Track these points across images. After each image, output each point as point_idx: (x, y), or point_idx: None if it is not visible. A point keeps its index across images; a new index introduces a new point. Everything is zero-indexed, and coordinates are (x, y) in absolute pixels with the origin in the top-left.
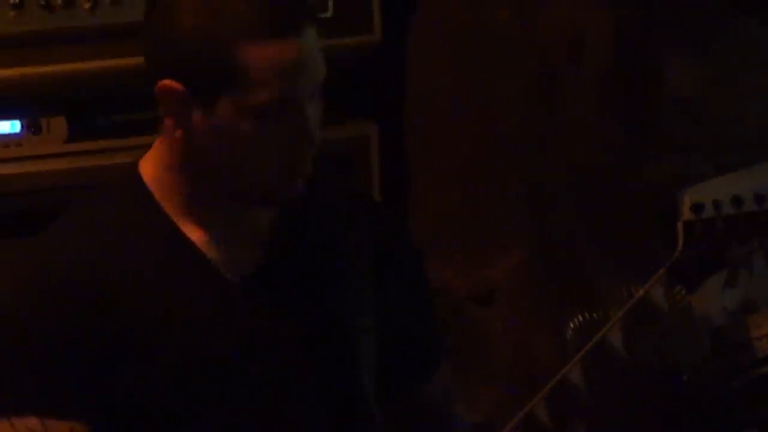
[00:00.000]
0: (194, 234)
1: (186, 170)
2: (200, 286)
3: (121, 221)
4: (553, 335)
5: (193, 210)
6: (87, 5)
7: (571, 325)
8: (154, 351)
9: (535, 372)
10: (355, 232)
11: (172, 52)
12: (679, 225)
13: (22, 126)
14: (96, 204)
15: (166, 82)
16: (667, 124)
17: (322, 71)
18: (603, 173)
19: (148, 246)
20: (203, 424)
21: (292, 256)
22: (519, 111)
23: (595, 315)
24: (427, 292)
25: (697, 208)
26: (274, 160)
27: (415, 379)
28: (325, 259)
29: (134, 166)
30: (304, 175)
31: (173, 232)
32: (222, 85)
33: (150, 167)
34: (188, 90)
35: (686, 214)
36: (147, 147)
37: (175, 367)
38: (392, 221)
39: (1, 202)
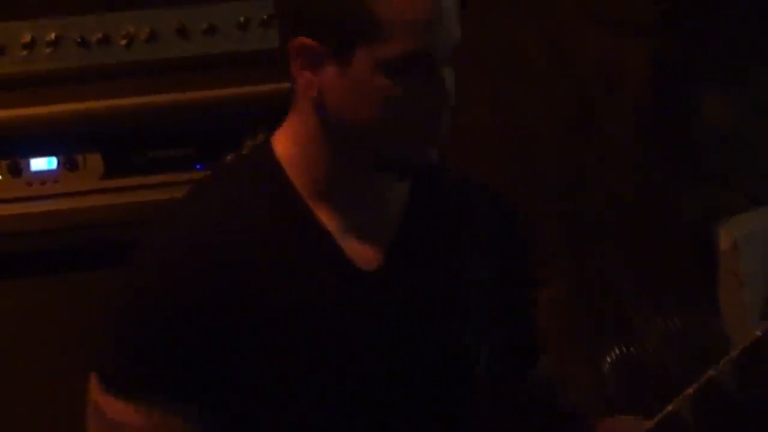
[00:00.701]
0: (327, 219)
1: (320, 141)
2: (331, 274)
3: (255, 202)
4: (590, 368)
5: (327, 192)
6: (123, 42)
7: (608, 358)
8: (280, 336)
9: None
10: (480, 221)
11: (305, 7)
12: None
13: (59, 162)
14: (230, 181)
15: (301, 39)
16: (705, 156)
17: (458, 33)
18: (641, 206)
19: (281, 230)
20: (323, 413)
21: (420, 246)
22: (557, 144)
23: (632, 349)
24: (532, 286)
25: None
26: (409, 122)
27: (523, 366)
28: (452, 251)
29: (267, 142)
30: (439, 142)
31: (307, 216)
32: (357, 36)
33: (283, 143)
34: (323, 45)
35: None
36: (182, 183)
37: (300, 355)
38: (512, 213)
39: (38, 238)
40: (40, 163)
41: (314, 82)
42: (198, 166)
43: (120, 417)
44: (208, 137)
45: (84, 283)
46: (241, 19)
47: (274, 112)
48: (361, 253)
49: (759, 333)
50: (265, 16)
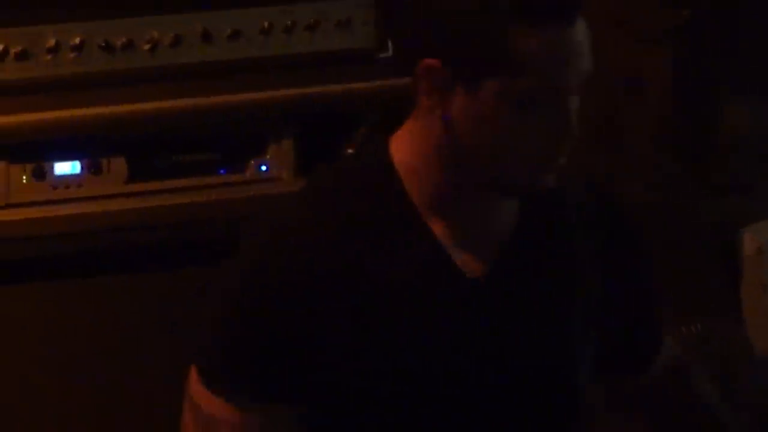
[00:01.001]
0: (438, 228)
1: (440, 156)
2: (441, 281)
3: (369, 207)
4: None
5: (439, 202)
6: (147, 47)
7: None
8: (387, 341)
9: None
10: (593, 231)
11: (440, 30)
12: None
13: (82, 167)
14: (345, 183)
15: (430, 61)
16: (726, 162)
17: (589, 64)
18: (662, 212)
19: (391, 235)
20: (421, 419)
21: (528, 258)
22: (579, 151)
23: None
24: (652, 294)
25: None
26: (532, 150)
27: (644, 363)
28: (560, 264)
29: (384, 144)
30: (558, 169)
31: (419, 224)
32: (490, 68)
33: (402, 151)
34: (453, 71)
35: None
36: (206, 187)
37: (405, 360)
38: (628, 220)
39: (62, 242)
40: (64, 167)
41: (439, 104)
42: (222, 171)
43: (216, 413)
44: (232, 142)
45: (108, 286)
46: (266, 24)
47: (297, 116)
48: (471, 263)
49: None
50: (289, 22)
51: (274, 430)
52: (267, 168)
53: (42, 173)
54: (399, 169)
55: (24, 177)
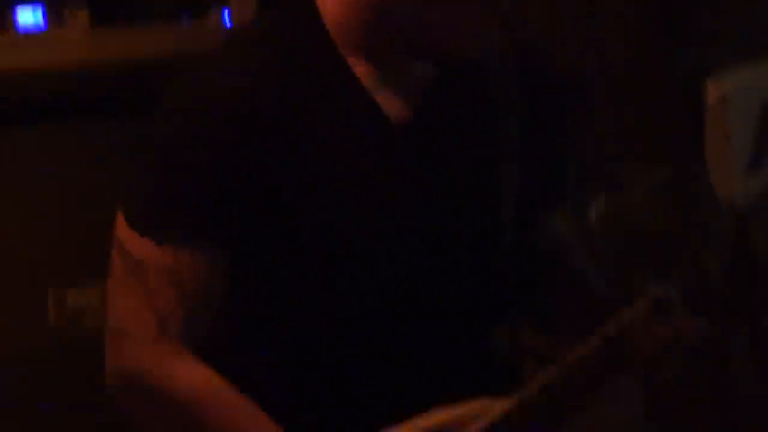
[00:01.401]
0: (361, 71)
1: (368, 10)
2: (363, 125)
3: (292, 50)
4: (577, 220)
5: (365, 53)
6: None
7: (595, 210)
8: (311, 181)
9: None
10: (515, 78)
11: None
12: None
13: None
14: (266, 27)
15: None
16: (698, 13)
17: None
18: (632, 62)
19: (316, 78)
20: (345, 261)
21: (451, 106)
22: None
23: (619, 200)
24: (567, 140)
25: None
26: (457, 15)
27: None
28: (480, 110)
29: None
30: (485, 40)
31: (342, 66)
32: None
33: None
34: None
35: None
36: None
37: (329, 199)
38: (549, 68)
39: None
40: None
41: None
42: (185, 17)
43: (144, 255)
44: None
45: (74, 131)
46: None
47: None
48: (395, 106)
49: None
50: None
51: (205, 274)
52: (230, 15)
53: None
54: (325, 17)
55: None
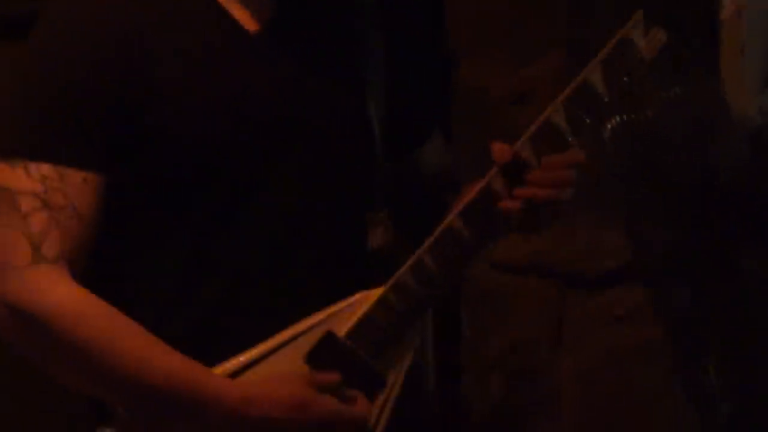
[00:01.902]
0: None
1: None
2: (221, 36)
3: None
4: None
5: None
6: None
7: (609, 125)
8: (174, 99)
9: None
10: None
11: None
12: None
13: None
14: None
15: None
16: None
17: None
18: None
19: None
20: (217, 179)
21: (304, 7)
22: None
23: (633, 116)
24: (438, 56)
25: None
26: None
27: (411, 140)
28: (337, 12)
29: None
30: None
31: None
32: None
33: None
34: None
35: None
36: None
37: (194, 117)
38: None
39: None
40: None
41: None
42: None
43: (14, 183)
44: None
45: None
46: None
47: None
48: (247, 16)
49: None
50: None
51: (75, 192)
52: None
53: None
54: None
55: None
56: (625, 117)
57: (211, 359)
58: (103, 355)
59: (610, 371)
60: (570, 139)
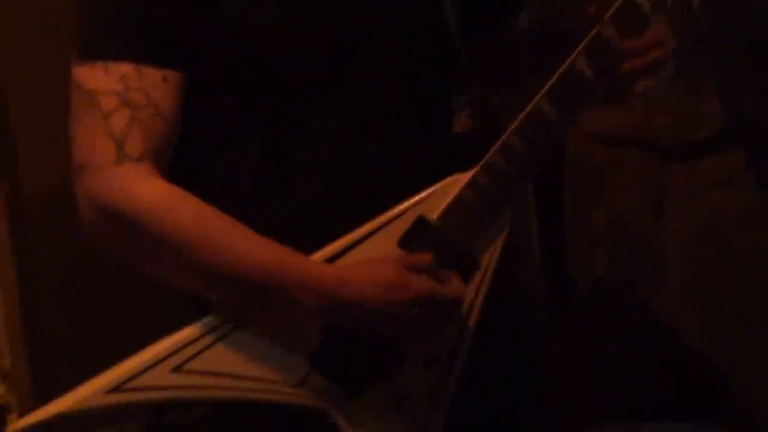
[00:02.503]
0: None
1: None
2: None
3: None
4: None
5: None
6: None
7: None
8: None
9: None
10: None
11: None
12: None
13: None
14: None
15: None
16: None
17: None
18: None
19: None
20: (296, 62)
21: None
22: None
23: None
24: None
25: None
26: None
27: (503, 12)
28: None
29: None
30: None
31: None
32: None
33: None
34: None
35: None
36: None
37: (271, 16)
38: None
39: None
40: None
41: None
42: None
43: (95, 83)
44: None
45: None
46: None
47: None
48: None
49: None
50: None
51: (156, 89)
52: None
53: None
54: None
55: None
56: None
57: (304, 252)
58: (196, 248)
59: (715, 236)
60: (651, 16)
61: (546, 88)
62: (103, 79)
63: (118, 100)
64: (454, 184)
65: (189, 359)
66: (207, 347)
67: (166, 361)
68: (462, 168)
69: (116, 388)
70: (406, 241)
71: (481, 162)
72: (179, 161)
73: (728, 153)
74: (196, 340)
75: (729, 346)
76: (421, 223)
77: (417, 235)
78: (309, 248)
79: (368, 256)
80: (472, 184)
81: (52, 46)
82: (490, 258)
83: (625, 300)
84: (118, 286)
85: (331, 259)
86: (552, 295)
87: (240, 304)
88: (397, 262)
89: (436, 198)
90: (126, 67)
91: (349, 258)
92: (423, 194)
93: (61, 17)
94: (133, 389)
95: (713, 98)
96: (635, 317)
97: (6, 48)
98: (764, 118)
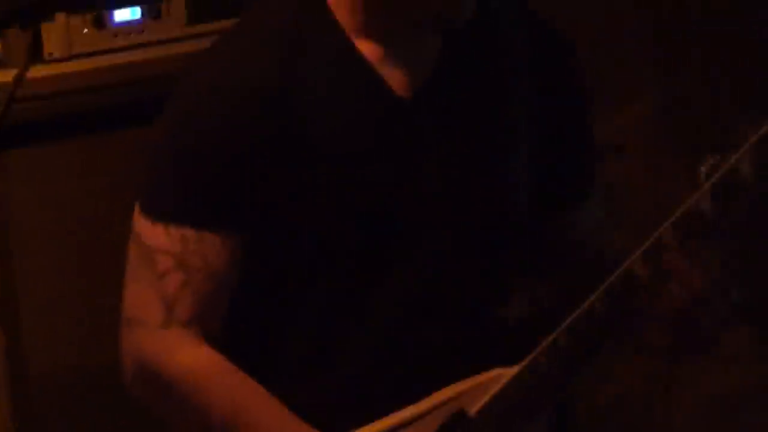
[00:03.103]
0: (367, 50)
1: None
2: (371, 101)
3: (298, 32)
4: (686, 178)
5: (367, 29)
6: None
7: (703, 169)
8: (322, 166)
9: None
10: (525, 53)
11: None
12: None
13: (143, 12)
14: (271, 13)
15: None
16: None
17: None
18: (734, 14)
19: (322, 59)
20: (356, 239)
21: (459, 77)
22: None
23: (727, 156)
24: (586, 122)
25: None
26: None
27: (567, 201)
28: (490, 81)
29: None
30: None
31: (347, 46)
32: None
33: None
34: None
35: None
36: None
37: (338, 181)
38: (562, 43)
39: (126, 90)
40: (124, 14)
41: None
42: None
43: (154, 241)
44: None
45: None
46: None
47: None
48: (401, 82)
49: None
50: None
51: (213, 256)
52: None
53: (102, 22)
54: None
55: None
56: (719, 158)
57: (343, 429)
58: (226, 424)
59: (727, 415)
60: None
61: (601, 289)
62: (162, 238)
63: (174, 262)
64: (498, 378)
65: None
66: None
67: None
68: (515, 356)
69: None
70: None
71: (527, 359)
72: (238, 318)
73: (739, 329)
74: None
75: None
76: (459, 416)
77: (454, 429)
78: (350, 423)
79: None
80: (515, 381)
81: None
82: None
83: None
84: None
85: None
86: None
87: None
88: None
89: (477, 391)
90: (187, 231)
91: None
92: (465, 386)
93: None
94: None
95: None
96: None
97: None
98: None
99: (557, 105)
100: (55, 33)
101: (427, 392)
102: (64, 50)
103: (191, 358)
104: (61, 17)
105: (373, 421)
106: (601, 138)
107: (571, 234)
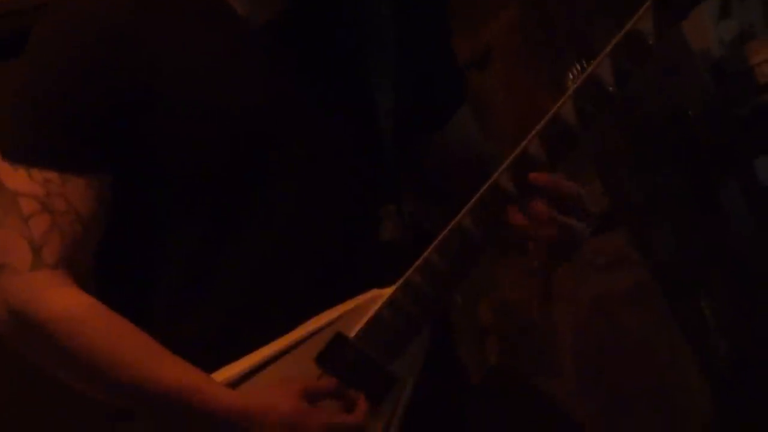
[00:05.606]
0: None
1: None
2: (223, 32)
3: None
4: (552, 89)
5: None
6: None
7: (570, 75)
8: (175, 97)
9: None
10: None
11: None
12: None
13: None
14: None
15: None
16: None
17: None
18: None
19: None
20: (218, 180)
21: (315, 8)
22: None
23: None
24: (447, 35)
25: None
26: None
27: (436, 118)
28: (348, 5)
29: None
30: None
31: None
32: None
33: None
34: None
35: None
36: None
37: (194, 115)
38: None
39: None
40: None
41: None
42: None
43: (17, 185)
44: None
45: None
46: None
47: None
48: (251, 11)
49: (629, 26)
50: None
51: (78, 197)
52: None
53: None
54: None
55: None
56: (586, 63)
57: (223, 360)
58: (103, 364)
59: (603, 318)
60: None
61: (468, 205)
62: (25, 181)
63: (38, 205)
64: (375, 299)
65: None
66: None
67: None
68: (389, 278)
69: None
70: (324, 358)
71: (401, 279)
72: (107, 257)
73: (612, 234)
74: None
75: (624, 425)
76: (338, 340)
77: (334, 352)
78: (230, 354)
79: (286, 373)
80: (391, 302)
81: None
82: (408, 376)
83: (519, 388)
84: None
85: (246, 375)
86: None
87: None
88: (297, 394)
89: (356, 313)
90: (49, 174)
91: (265, 376)
92: (343, 308)
93: None
94: None
95: (595, 179)
96: (531, 405)
97: None
98: (647, 195)
99: (419, 24)
100: None
101: (305, 318)
102: None
103: (62, 300)
104: None
105: (251, 352)
106: (467, 51)
107: (445, 152)
